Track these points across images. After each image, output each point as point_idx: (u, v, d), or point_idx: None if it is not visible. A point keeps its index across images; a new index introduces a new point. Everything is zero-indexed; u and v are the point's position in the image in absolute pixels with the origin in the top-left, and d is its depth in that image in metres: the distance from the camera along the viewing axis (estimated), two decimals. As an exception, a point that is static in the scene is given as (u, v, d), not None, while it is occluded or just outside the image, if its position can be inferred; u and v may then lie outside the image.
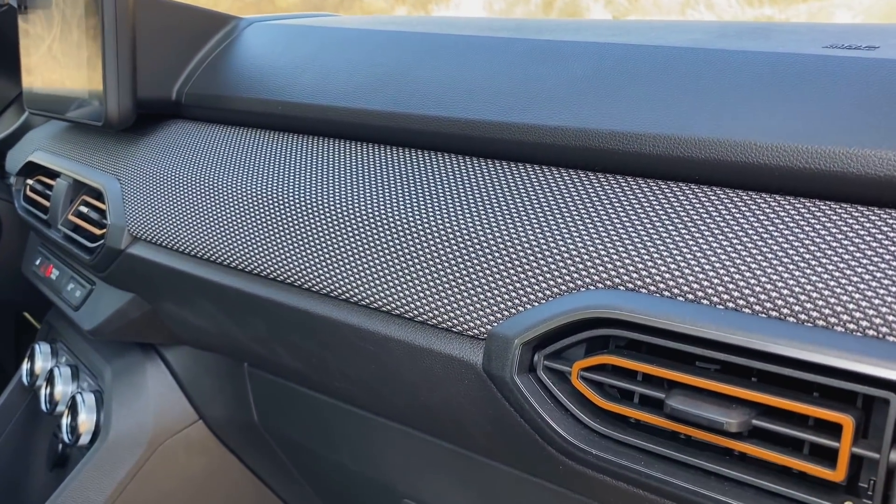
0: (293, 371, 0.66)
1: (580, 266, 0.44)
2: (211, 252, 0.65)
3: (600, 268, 0.43)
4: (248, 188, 0.63)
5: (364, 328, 0.53)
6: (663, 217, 0.43)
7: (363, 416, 0.67)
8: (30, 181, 1.00)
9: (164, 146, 0.77)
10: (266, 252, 0.60)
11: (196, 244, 0.66)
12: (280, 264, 0.59)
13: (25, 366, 1.04)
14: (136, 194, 0.74)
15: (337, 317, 0.55)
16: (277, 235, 0.59)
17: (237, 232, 0.63)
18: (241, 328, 0.66)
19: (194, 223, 0.67)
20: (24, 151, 1.08)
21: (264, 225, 0.61)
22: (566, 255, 0.44)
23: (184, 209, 0.68)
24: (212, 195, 0.66)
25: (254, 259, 0.61)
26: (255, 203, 0.62)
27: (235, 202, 0.64)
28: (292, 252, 0.58)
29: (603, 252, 0.43)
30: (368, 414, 0.66)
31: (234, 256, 0.62)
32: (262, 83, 0.71)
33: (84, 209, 0.81)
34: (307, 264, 0.57)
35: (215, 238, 0.64)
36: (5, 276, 1.21)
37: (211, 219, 0.65)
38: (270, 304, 0.60)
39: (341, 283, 0.54)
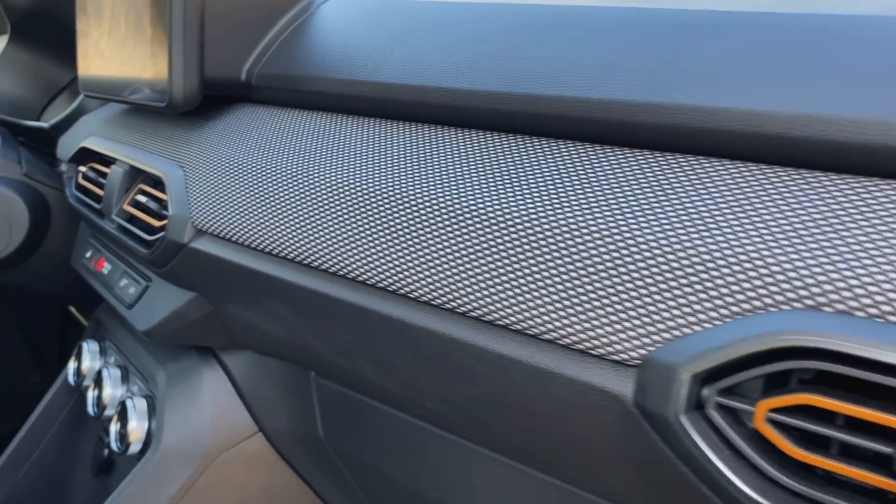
0: (376, 387, 0.58)
1: (768, 280, 0.35)
2: (287, 249, 0.57)
3: (796, 283, 0.34)
4: (331, 179, 0.56)
5: (474, 344, 0.45)
6: (887, 220, 0.34)
7: (450, 441, 0.59)
8: (82, 168, 0.94)
9: (233, 131, 0.69)
10: (353, 251, 0.52)
11: (270, 240, 0.59)
12: (370, 265, 0.51)
13: (72, 365, 0.98)
14: (201, 183, 0.67)
15: (440, 329, 0.47)
16: (368, 233, 0.51)
17: (318, 227, 0.55)
18: (319, 336, 0.59)
19: (268, 216, 0.59)
20: (77, 137, 1.02)
21: (351, 220, 0.53)
22: (748, 266, 0.36)
23: (256, 200, 0.61)
24: (288, 186, 0.59)
25: (338, 258, 0.53)
26: (339, 195, 0.54)
27: (316, 194, 0.56)
28: (386, 252, 0.50)
29: (799, 264, 0.34)
30: (459, 440, 0.58)
31: (315, 254, 0.55)
32: (345, 62, 0.64)
33: (142, 198, 0.75)
34: (404, 267, 0.49)
35: (293, 233, 0.57)
36: (52, 267, 1.15)
37: (288, 212, 0.58)
38: (357, 310, 0.52)
39: (448, 290, 0.46)
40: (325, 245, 0.54)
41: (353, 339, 0.55)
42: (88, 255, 0.95)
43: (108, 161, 0.90)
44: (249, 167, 0.63)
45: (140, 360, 0.87)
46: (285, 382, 0.77)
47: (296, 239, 0.56)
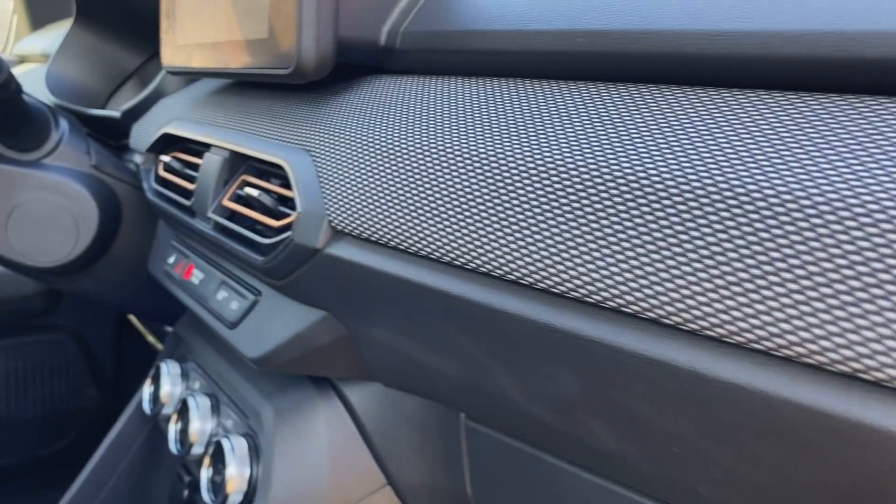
0: (605, 456, 0.42)
1: None
2: (476, 257, 0.41)
3: None
4: (529, 159, 0.40)
5: (832, 414, 0.29)
6: None
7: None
8: (165, 158, 0.79)
9: (373, 106, 0.54)
10: (591, 262, 0.36)
11: (447, 245, 0.43)
12: (622, 283, 0.34)
13: (147, 389, 0.83)
14: (337, 172, 0.52)
15: (770, 389, 0.30)
16: (609, 235, 0.35)
17: (524, 228, 0.39)
18: (521, 382, 0.43)
19: (442, 214, 0.43)
20: (155, 123, 0.88)
21: (580, 217, 0.37)
22: None
23: (421, 193, 0.45)
24: (469, 173, 0.43)
25: (566, 272, 0.37)
26: (556, 182, 0.38)
27: (515, 181, 0.40)
28: (646, 264, 0.34)
29: None
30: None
31: (525, 266, 0.39)
32: (536, 9, 0.48)
33: (252, 192, 0.59)
34: (693, 291, 0.32)
35: (482, 236, 0.41)
36: (120, 273, 1.01)
37: (472, 207, 0.42)
38: (601, 350, 0.36)
39: (785, 328, 0.30)
40: (540, 253, 0.38)
41: (585, 391, 0.39)
42: (171, 260, 0.80)
43: (197, 149, 0.76)
44: (404, 150, 0.48)
45: (235, 388, 0.72)
46: (424, 424, 0.61)
47: (489, 244, 0.41)
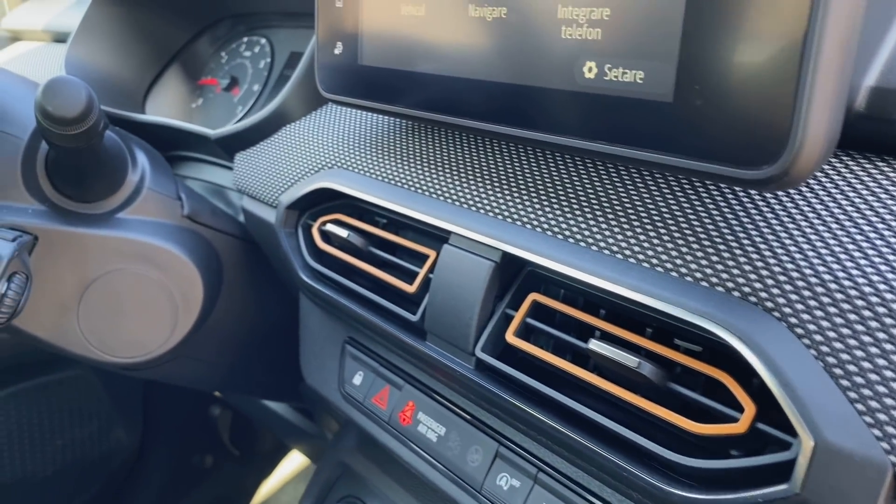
0: None
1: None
2: None
3: None
4: None
5: None
6: None
7: None
8: (339, 229, 0.53)
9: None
10: None
11: None
12: None
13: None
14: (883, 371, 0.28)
15: None
16: None
17: None
18: None
19: None
20: (282, 160, 0.61)
21: None
22: None
23: None
24: None
25: None
26: None
27: None
28: None
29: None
30: None
31: None
32: None
33: (606, 350, 0.35)
34: None
35: None
36: (212, 348, 0.75)
37: None
38: None
39: None
40: None
41: None
42: (358, 381, 0.54)
43: (367, 209, 0.51)
44: None
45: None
46: None
47: None
